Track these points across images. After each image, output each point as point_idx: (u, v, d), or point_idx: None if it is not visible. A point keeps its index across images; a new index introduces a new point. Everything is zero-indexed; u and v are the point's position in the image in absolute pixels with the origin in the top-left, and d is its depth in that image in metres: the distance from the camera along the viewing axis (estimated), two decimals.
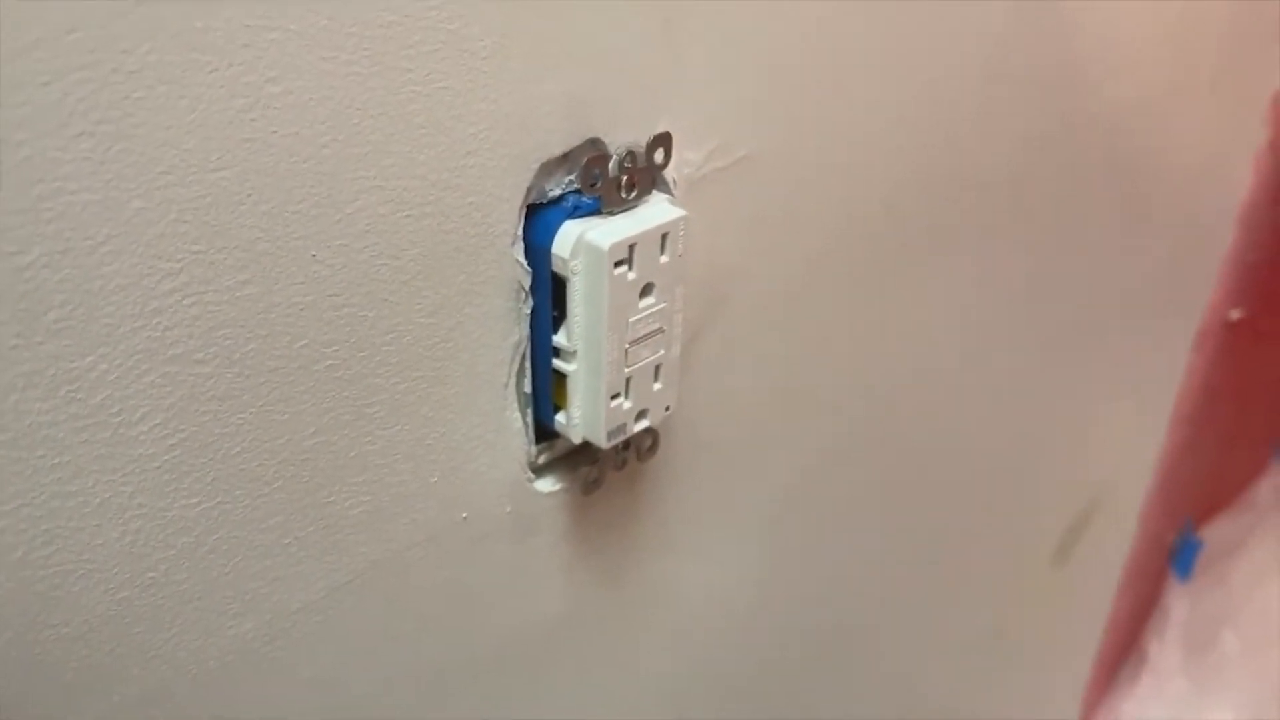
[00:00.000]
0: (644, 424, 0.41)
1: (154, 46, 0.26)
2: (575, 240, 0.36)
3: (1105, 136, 0.67)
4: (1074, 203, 0.68)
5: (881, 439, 0.63)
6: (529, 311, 0.38)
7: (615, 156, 0.37)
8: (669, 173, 0.39)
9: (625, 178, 0.37)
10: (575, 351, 0.38)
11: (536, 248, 0.37)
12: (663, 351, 0.40)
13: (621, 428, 0.40)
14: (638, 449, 0.44)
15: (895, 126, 0.50)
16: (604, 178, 0.36)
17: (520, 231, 0.36)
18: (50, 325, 0.27)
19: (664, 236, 0.38)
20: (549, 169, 0.36)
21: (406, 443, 0.37)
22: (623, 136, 0.37)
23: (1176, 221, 0.82)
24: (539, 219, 0.37)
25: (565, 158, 0.36)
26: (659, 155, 0.38)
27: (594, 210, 0.37)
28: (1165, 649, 1.24)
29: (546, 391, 0.40)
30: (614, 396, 0.39)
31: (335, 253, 0.32)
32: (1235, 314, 0.97)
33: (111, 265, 0.27)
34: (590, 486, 0.43)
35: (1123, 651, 1.25)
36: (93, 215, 0.27)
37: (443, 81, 0.32)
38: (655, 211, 0.38)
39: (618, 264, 0.36)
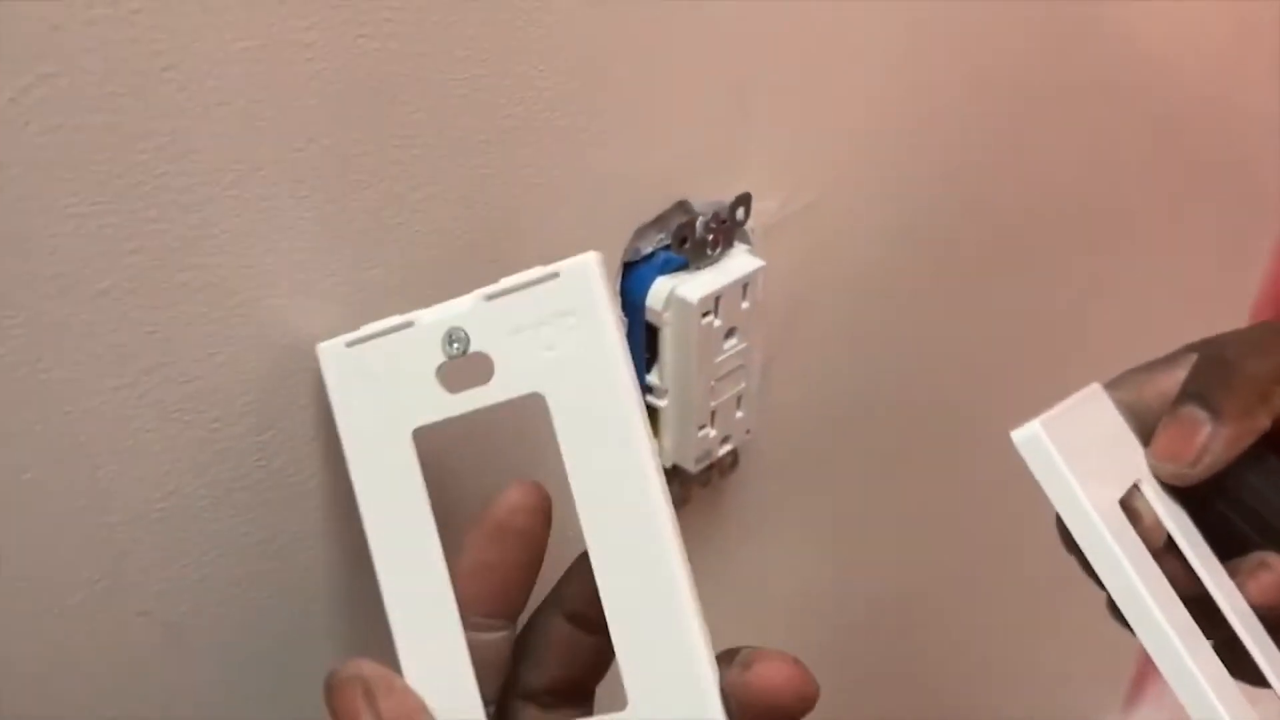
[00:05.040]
0: (728, 448, 0.45)
1: None
2: (667, 295, 0.40)
3: (1165, 134, 0.69)
4: (1130, 206, 0.70)
5: (953, 443, 0.66)
6: None
7: (702, 218, 0.41)
8: (748, 224, 0.44)
9: (711, 236, 0.41)
10: (666, 390, 0.42)
11: (631, 300, 0.41)
12: (744, 384, 0.44)
13: (708, 453, 0.45)
14: (720, 467, 0.49)
15: (946, 152, 0.53)
16: (692, 238, 0.41)
17: (618, 286, 0.41)
18: None
19: (745, 286, 0.42)
20: (643, 231, 0.40)
21: None
22: (706, 194, 0.42)
23: (1230, 209, 0.83)
24: (634, 275, 0.41)
25: (657, 220, 0.40)
26: (740, 213, 0.42)
27: (682, 265, 0.41)
28: None
29: None
30: (701, 427, 0.44)
31: None
32: None
33: None
34: (678, 504, 0.48)
35: None
36: None
37: (557, 168, 0.36)
38: (737, 264, 0.42)
39: (704, 314, 0.41)
